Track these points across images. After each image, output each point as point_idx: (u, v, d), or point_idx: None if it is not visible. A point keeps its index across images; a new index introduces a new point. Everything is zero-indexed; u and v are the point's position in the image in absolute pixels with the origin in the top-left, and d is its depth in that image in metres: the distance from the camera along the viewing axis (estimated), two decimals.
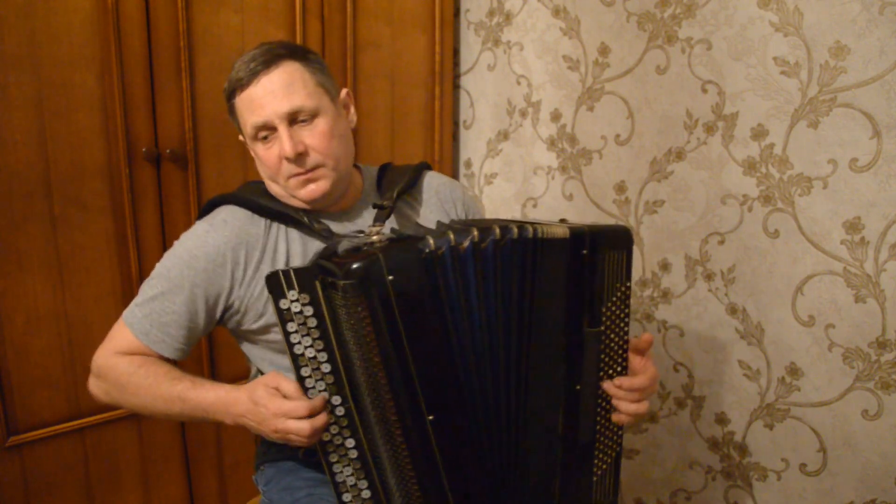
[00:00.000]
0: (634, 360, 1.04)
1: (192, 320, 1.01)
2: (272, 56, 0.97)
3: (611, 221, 1.75)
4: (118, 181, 1.38)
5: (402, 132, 1.91)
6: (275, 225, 1.05)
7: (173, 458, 1.56)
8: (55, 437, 1.37)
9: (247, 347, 1.13)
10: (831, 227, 1.37)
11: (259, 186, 1.09)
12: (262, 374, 1.08)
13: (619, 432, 1.05)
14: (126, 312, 1.03)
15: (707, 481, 1.68)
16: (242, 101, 0.99)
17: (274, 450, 1.15)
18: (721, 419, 1.62)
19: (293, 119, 0.98)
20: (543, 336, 0.96)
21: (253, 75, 0.97)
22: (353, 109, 1.10)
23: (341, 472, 0.93)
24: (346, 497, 0.94)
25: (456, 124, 2.13)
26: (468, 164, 2.13)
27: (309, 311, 0.88)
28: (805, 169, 1.39)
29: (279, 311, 0.87)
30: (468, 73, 2.08)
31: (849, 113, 1.31)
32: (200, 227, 1.04)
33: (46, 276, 1.32)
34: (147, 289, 1.02)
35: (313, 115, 0.99)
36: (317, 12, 1.64)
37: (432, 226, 1.03)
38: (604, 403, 1.02)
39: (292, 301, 0.87)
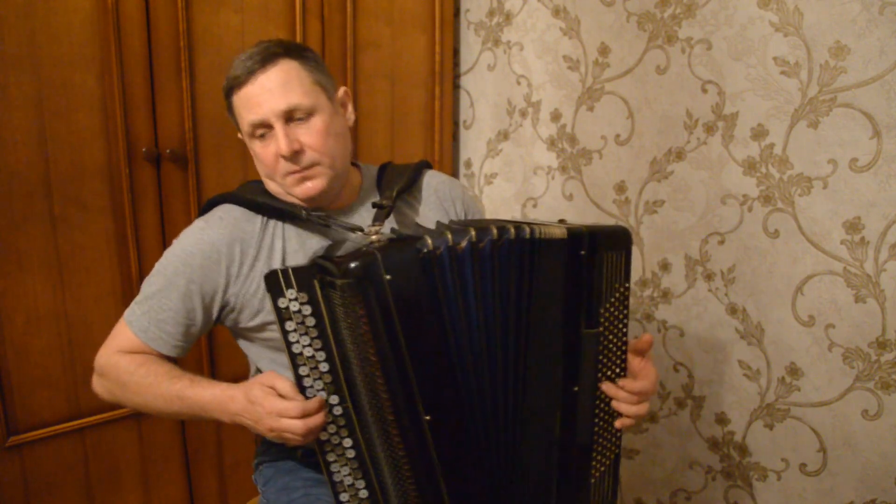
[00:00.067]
0: (634, 362, 1.04)
1: (188, 317, 1.02)
2: (269, 54, 0.97)
3: (611, 221, 1.75)
4: (118, 181, 1.38)
5: (402, 132, 1.91)
6: (271, 222, 1.06)
7: (173, 458, 1.56)
8: (55, 437, 1.37)
9: (245, 345, 1.13)
10: (831, 227, 1.37)
11: (258, 185, 1.09)
12: (261, 371, 1.08)
13: (618, 434, 1.04)
14: (127, 311, 1.04)
15: (707, 481, 1.68)
16: (240, 98, 0.99)
17: (273, 450, 1.16)
18: (721, 419, 1.62)
19: (289, 117, 0.98)
20: (541, 337, 0.96)
21: (250, 73, 0.97)
22: (350, 108, 1.10)
23: (339, 471, 0.93)
24: (344, 497, 0.94)
25: (456, 124, 2.13)
26: (468, 164, 2.13)
27: (307, 310, 0.88)
28: (805, 169, 1.39)
29: (277, 309, 0.88)
30: (468, 73, 2.08)
31: (849, 113, 1.31)
32: (197, 224, 1.05)
33: (46, 276, 1.32)
34: (146, 287, 1.03)
35: (309, 113, 0.99)
36: (317, 12, 1.64)
37: (432, 224, 1.03)
38: (602, 405, 1.02)
39: (291, 300, 0.88)
